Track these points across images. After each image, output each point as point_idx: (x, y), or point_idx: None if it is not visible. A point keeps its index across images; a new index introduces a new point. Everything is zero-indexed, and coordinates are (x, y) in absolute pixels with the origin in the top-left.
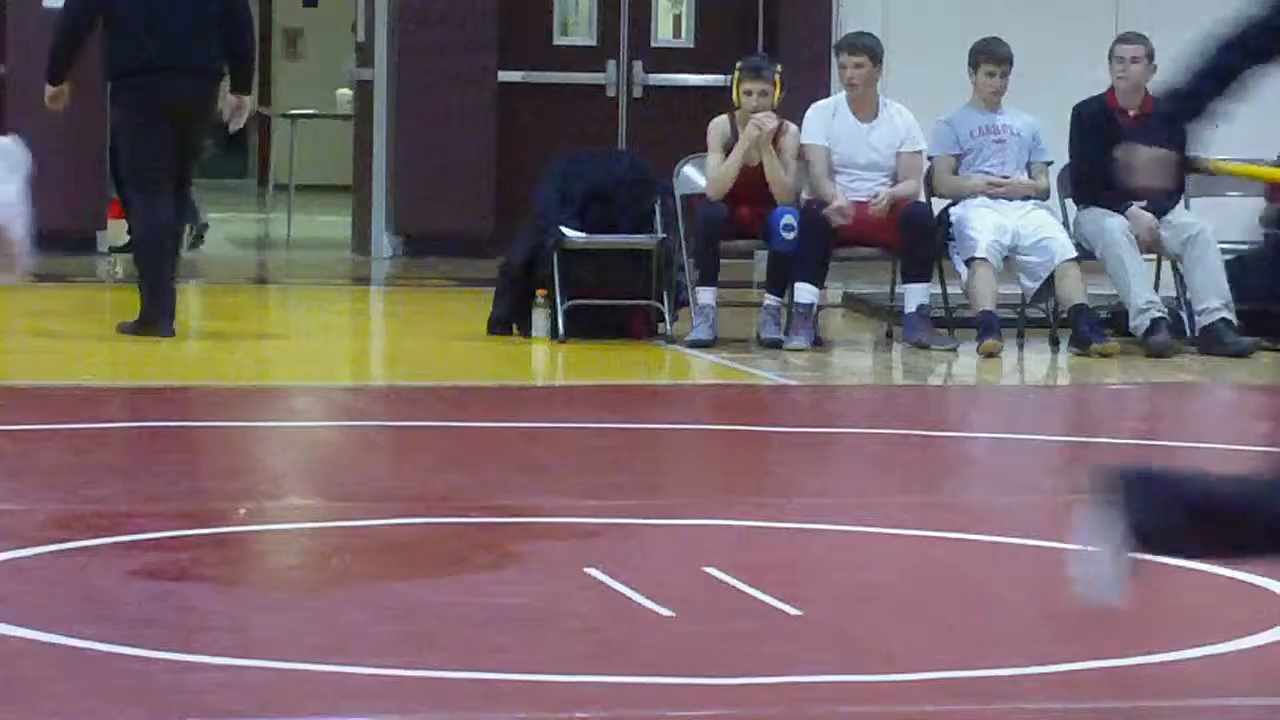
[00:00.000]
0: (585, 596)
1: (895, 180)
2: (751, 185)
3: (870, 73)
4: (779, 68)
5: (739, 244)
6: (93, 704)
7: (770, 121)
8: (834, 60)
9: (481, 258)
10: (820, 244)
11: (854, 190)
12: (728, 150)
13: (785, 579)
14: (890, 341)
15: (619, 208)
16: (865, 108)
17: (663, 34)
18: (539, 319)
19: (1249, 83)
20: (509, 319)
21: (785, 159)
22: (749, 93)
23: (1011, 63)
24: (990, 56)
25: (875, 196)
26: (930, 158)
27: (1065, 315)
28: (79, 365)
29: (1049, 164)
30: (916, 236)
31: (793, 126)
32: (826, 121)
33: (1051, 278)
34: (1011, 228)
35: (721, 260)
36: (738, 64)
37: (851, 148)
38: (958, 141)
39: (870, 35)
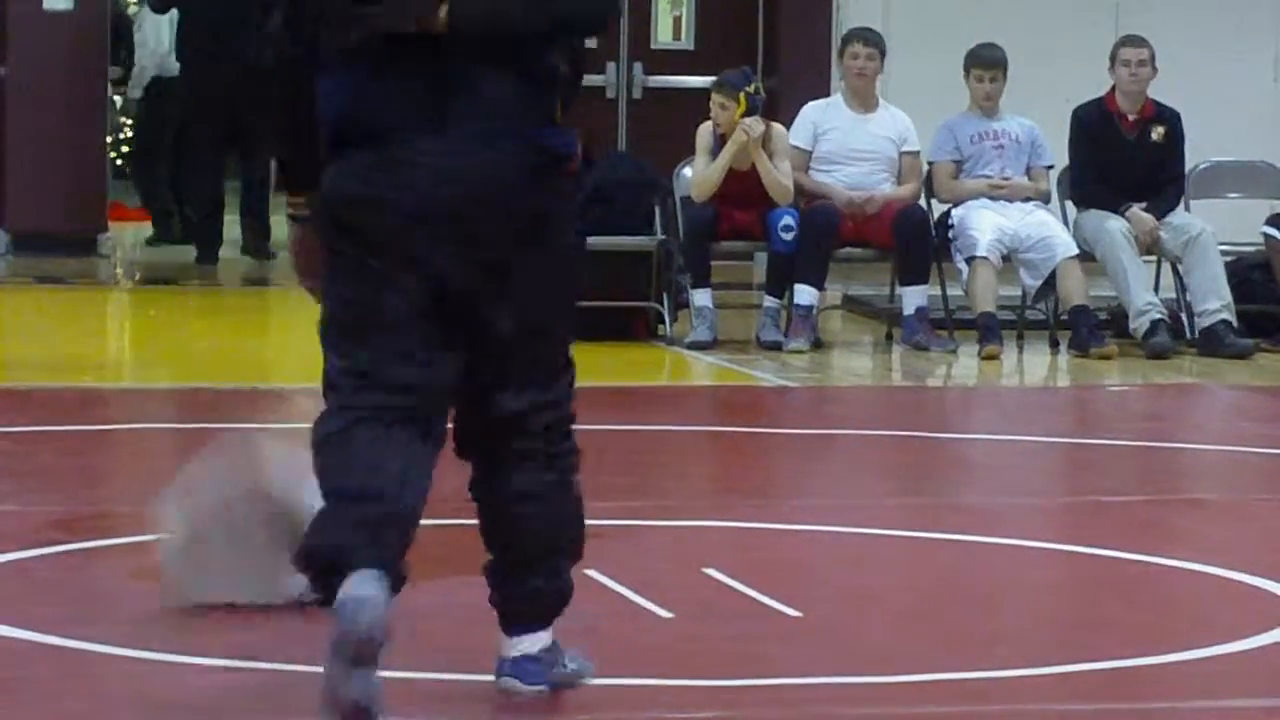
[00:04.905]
0: (585, 596)
1: (898, 179)
2: (748, 188)
3: (877, 67)
4: (755, 81)
5: (737, 245)
6: (93, 704)
7: (758, 127)
8: (836, 57)
9: None
10: (819, 245)
11: (854, 179)
12: (714, 156)
13: (785, 580)
14: (890, 343)
15: (619, 208)
16: (864, 101)
17: (662, 36)
18: None
19: None
20: None
21: (776, 160)
22: (723, 107)
23: (1005, 67)
24: (980, 61)
25: (870, 198)
26: (930, 163)
27: (1065, 317)
28: (79, 366)
29: (1049, 168)
30: (911, 239)
31: (779, 127)
32: (818, 118)
33: (1053, 276)
34: (1013, 228)
35: (721, 262)
36: (715, 80)
37: (850, 136)
38: (957, 147)
39: (877, 32)
